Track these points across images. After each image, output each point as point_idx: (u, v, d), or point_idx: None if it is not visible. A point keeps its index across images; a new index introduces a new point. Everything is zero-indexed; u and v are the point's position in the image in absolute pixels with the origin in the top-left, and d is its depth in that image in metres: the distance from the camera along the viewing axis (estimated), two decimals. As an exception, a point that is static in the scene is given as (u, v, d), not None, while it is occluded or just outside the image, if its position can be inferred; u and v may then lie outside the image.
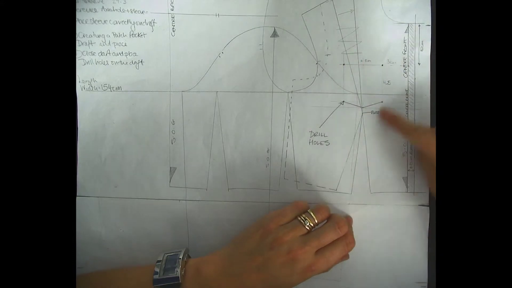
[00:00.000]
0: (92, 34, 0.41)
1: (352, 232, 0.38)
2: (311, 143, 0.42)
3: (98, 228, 0.43)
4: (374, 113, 0.41)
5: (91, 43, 0.41)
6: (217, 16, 0.41)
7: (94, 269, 0.42)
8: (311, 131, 0.42)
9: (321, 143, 0.42)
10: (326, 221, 0.38)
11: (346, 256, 0.37)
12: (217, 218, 0.42)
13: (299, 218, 0.36)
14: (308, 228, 0.35)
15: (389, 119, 0.41)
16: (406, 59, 0.41)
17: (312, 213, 0.36)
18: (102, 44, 0.41)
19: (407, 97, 0.41)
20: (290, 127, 0.42)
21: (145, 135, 0.42)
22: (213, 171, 0.42)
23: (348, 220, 0.41)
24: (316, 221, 0.36)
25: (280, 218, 0.36)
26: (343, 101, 0.41)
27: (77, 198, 0.42)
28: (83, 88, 0.42)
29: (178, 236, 0.42)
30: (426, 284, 0.42)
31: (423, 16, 0.41)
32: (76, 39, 0.41)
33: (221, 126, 0.42)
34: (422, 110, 0.41)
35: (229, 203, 0.42)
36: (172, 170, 0.42)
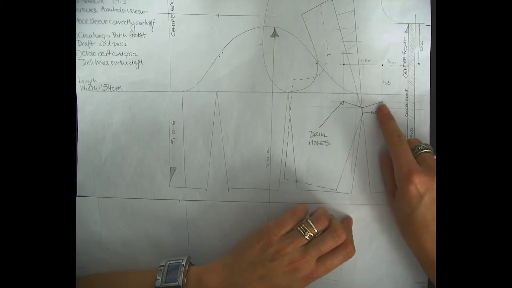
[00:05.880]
0: (92, 34, 0.41)
1: (352, 239, 0.38)
2: (311, 143, 0.42)
3: (98, 228, 0.43)
4: (374, 113, 0.41)
5: (91, 43, 0.41)
6: (217, 16, 0.41)
7: (94, 269, 0.42)
8: (311, 131, 0.42)
9: (321, 143, 0.42)
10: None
11: None
12: (217, 218, 0.42)
13: (299, 229, 0.36)
14: (308, 239, 0.36)
15: (383, 116, 0.41)
16: (406, 59, 0.41)
17: (311, 223, 0.36)
18: (102, 44, 0.41)
19: (407, 97, 0.41)
20: (290, 127, 0.42)
21: (145, 135, 0.42)
22: (213, 171, 0.42)
23: (348, 221, 0.41)
24: (316, 231, 0.36)
25: (280, 228, 0.36)
26: (343, 101, 0.41)
27: (77, 198, 0.42)
28: (83, 88, 0.42)
29: (178, 237, 0.42)
30: (426, 284, 0.42)
31: (423, 16, 0.41)
32: (76, 39, 0.41)
33: (221, 126, 0.42)
34: (422, 110, 0.41)
35: (229, 203, 0.42)
36: (172, 170, 0.42)
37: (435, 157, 0.38)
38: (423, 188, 0.35)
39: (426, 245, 0.35)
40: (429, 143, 0.41)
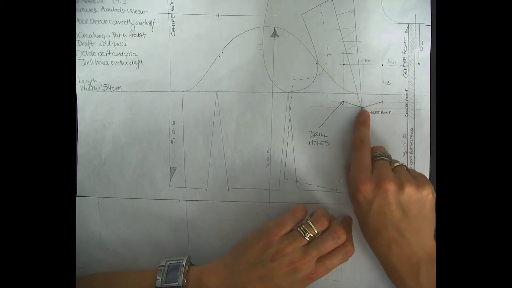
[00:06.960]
0: (92, 34, 0.41)
1: (352, 239, 0.38)
2: (311, 143, 0.42)
3: (98, 228, 0.43)
4: (374, 113, 0.41)
5: (91, 43, 0.41)
6: (217, 16, 0.41)
7: (94, 269, 0.42)
8: (311, 131, 0.42)
9: (321, 143, 0.42)
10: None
11: None
12: (217, 218, 0.42)
13: (299, 229, 0.36)
14: (308, 239, 0.36)
15: (357, 122, 0.41)
16: (406, 59, 0.41)
17: (311, 224, 0.36)
18: (102, 44, 0.41)
19: (407, 97, 0.41)
20: (290, 127, 0.42)
21: (145, 135, 0.42)
22: (213, 171, 0.42)
23: (348, 221, 0.41)
24: (316, 232, 0.36)
25: (280, 229, 0.36)
26: (343, 101, 0.41)
27: (77, 198, 0.42)
28: (83, 88, 0.42)
29: (178, 236, 0.42)
30: (426, 284, 0.42)
31: (423, 16, 0.41)
32: (76, 39, 0.41)
33: (221, 126, 0.42)
34: (422, 110, 0.41)
35: (229, 203, 0.42)
36: (172, 170, 0.42)
37: (400, 164, 0.37)
38: (370, 195, 0.34)
39: (381, 250, 0.36)
40: (429, 143, 0.41)
